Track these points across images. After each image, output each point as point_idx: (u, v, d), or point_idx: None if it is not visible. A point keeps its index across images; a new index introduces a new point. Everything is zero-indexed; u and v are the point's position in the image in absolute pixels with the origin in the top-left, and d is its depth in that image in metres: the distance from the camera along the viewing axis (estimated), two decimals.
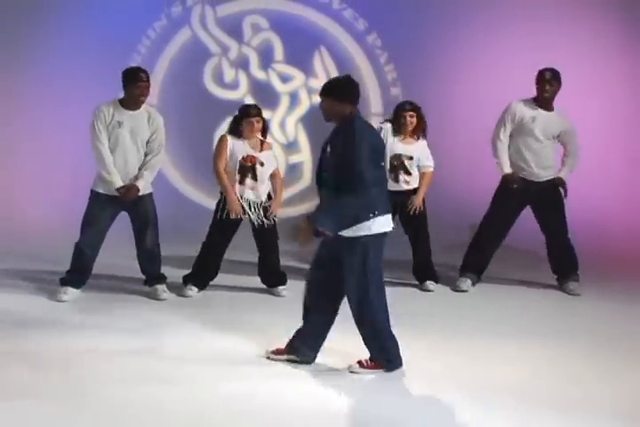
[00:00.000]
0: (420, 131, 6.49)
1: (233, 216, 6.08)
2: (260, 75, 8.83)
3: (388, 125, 6.49)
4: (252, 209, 6.15)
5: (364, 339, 4.70)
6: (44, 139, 8.71)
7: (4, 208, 8.26)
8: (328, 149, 4.58)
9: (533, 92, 6.48)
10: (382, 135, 6.38)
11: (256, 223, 6.15)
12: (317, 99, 8.88)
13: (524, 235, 6.70)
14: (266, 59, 8.78)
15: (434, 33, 8.26)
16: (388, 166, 6.40)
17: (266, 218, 6.14)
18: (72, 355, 4.82)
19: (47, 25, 8.73)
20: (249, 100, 8.74)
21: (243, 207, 6.10)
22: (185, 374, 4.59)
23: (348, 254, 4.54)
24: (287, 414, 4.09)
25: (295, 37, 8.62)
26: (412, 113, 6.43)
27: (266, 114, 8.76)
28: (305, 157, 8.83)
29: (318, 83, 8.64)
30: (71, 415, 4.03)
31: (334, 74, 8.55)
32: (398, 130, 6.44)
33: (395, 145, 6.43)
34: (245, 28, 8.80)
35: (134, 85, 5.85)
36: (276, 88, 8.80)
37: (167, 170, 8.85)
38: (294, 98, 8.79)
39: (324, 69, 8.61)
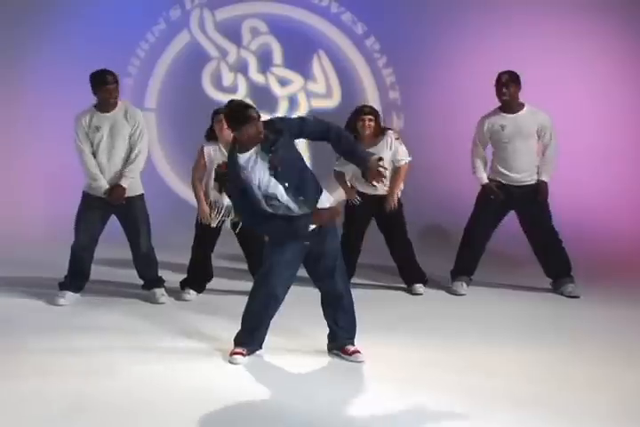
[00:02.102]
0: (378, 132, 6.30)
1: (203, 222, 6.14)
2: (258, 78, 8.83)
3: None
4: (230, 215, 6.16)
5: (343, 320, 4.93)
6: (43, 143, 8.73)
7: (3, 212, 8.28)
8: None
9: (533, 95, 6.47)
10: None
11: (236, 229, 6.14)
12: (316, 103, 8.88)
13: (517, 238, 6.68)
14: (264, 62, 8.79)
15: (432, 37, 8.25)
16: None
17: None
18: (71, 359, 4.83)
19: (46, 29, 8.76)
20: None
21: (218, 214, 6.13)
22: (184, 376, 4.60)
23: (335, 241, 4.84)
24: (286, 415, 4.11)
25: (294, 41, 8.62)
26: (370, 117, 6.28)
27: (264, 118, 8.81)
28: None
29: (317, 87, 8.66)
30: (70, 417, 4.04)
31: (333, 77, 8.57)
32: (356, 135, 6.09)
33: None
34: (244, 32, 8.82)
35: (101, 89, 5.88)
36: (274, 92, 8.81)
37: (165, 174, 8.86)
38: (293, 102, 8.79)
39: (323, 73, 8.61)
